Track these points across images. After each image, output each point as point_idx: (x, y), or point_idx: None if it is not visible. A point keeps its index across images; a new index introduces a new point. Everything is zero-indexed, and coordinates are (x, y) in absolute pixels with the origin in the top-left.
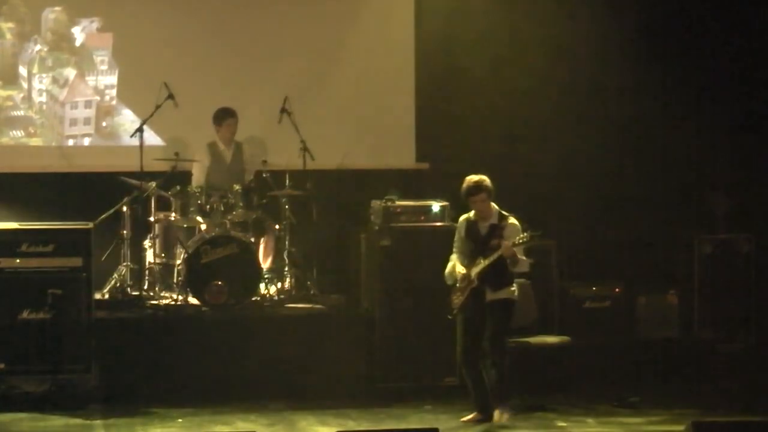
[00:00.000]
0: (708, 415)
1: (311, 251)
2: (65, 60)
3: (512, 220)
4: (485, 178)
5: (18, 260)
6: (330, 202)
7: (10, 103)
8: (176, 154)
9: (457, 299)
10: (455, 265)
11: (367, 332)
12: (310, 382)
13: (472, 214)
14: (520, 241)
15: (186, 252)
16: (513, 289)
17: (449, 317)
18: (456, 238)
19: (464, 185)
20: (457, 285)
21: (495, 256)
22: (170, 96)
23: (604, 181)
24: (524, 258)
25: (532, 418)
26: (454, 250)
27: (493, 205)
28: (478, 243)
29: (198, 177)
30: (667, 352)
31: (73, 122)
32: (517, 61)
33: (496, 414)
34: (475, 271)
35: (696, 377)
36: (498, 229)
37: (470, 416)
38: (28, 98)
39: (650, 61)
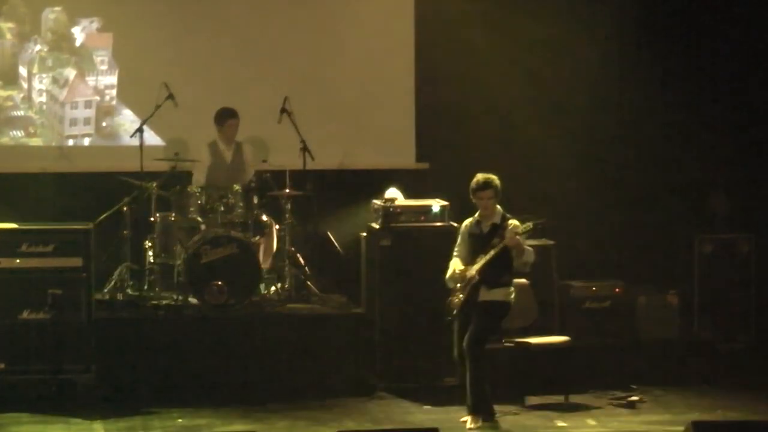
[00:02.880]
0: (708, 415)
1: (311, 251)
2: (65, 60)
3: (514, 221)
4: (495, 177)
5: (18, 260)
6: (330, 202)
7: (10, 103)
8: (176, 154)
9: (457, 299)
10: (455, 268)
11: (367, 332)
12: (310, 382)
13: (476, 215)
14: (524, 230)
15: (186, 252)
16: (510, 290)
17: (448, 319)
18: (458, 242)
19: (473, 181)
20: (457, 286)
21: (499, 247)
22: (170, 96)
23: (604, 180)
24: (529, 248)
25: (532, 418)
26: (454, 254)
27: (498, 206)
28: (480, 242)
29: (198, 177)
30: (667, 352)
31: (73, 122)
32: (517, 60)
33: (469, 419)
34: (476, 267)
35: (696, 377)
36: (500, 229)
37: (465, 418)
38: (28, 98)
39: (651, 61)
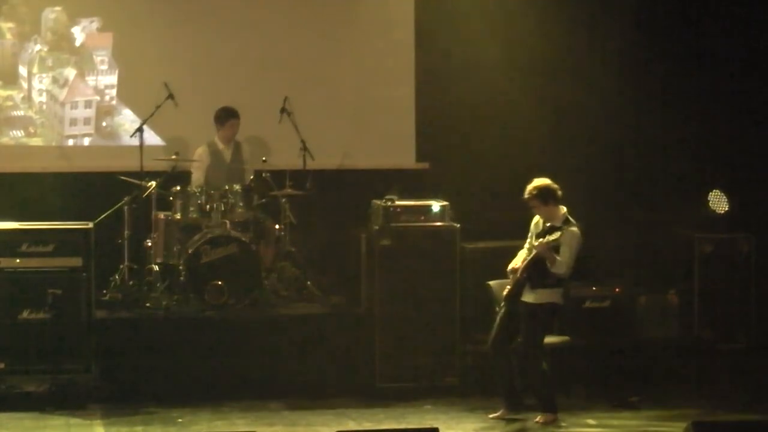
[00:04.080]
0: (708, 415)
1: (311, 251)
2: (65, 60)
3: (573, 228)
4: (537, 184)
5: (18, 260)
6: (330, 202)
7: (10, 103)
8: (176, 154)
9: (506, 290)
10: (515, 261)
11: (367, 332)
12: (310, 382)
13: None
14: (552, 241)
15: (186, 252)
16: (556, 291)
17: (497, 309)
18: (529, 234)
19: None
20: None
21: (532, 255)
22: (170, 96)
23: (604, 180)
24: (559, 258)
25: (532, 418)
26: (526, 245)
27: (563, 208)
28: (536, 240)
29: (198, 177)
30: (667, 352)
31: (73, 122)
32: (517, 61)
33: (539, 417)
34: (523, 266)
35: (696, 377)
36: (554, 230)
37: (497, 413)
38: (28, 98)
39: (650, 61)
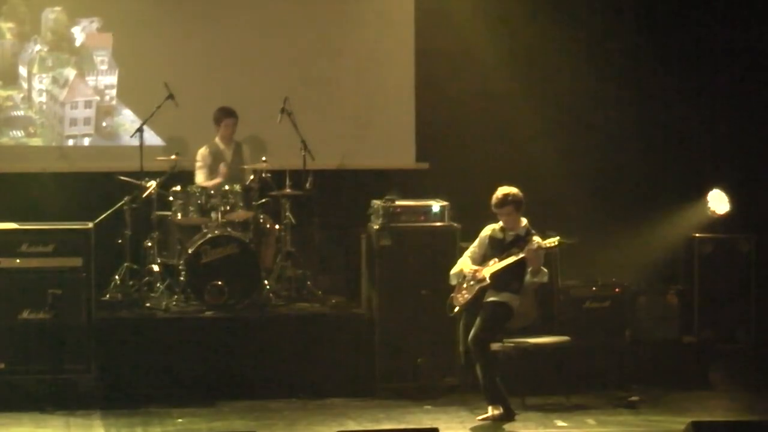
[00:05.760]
0: (708, 415)
1: (311, 251)
2: (65, 60)
3: (537, 238)
4: (513, 191)
5: (18, 260)
6: (330, 202)
7: (10, 103)
8: (176, 154)
9: (462, 297)
10: (463, 266)
11: (367, 332)
12: (310, 382)
13: (498, 225)
14: (549, 245)
15: (186, 252)
16: (516, 297)
17: (450, 315)
18: (474, 244)
19: (493, 197)
20: (464, 283)
21: (517, 257)
22: (170, 96)
23: (604, 180)
24: (545, 269)
25: (532, 418)
26: (467, 254)
27: (524, 219)
28: (499, 247)
29: (199, 177)
30: (667, 352)
31: (73, 122)
32: (517, 61)
33: (489, 408)
34: (489, 270)
35: (696, 377)
36: (521, 241)
37: (486, 414)
38: (28, 98)
39: (650, 62)
